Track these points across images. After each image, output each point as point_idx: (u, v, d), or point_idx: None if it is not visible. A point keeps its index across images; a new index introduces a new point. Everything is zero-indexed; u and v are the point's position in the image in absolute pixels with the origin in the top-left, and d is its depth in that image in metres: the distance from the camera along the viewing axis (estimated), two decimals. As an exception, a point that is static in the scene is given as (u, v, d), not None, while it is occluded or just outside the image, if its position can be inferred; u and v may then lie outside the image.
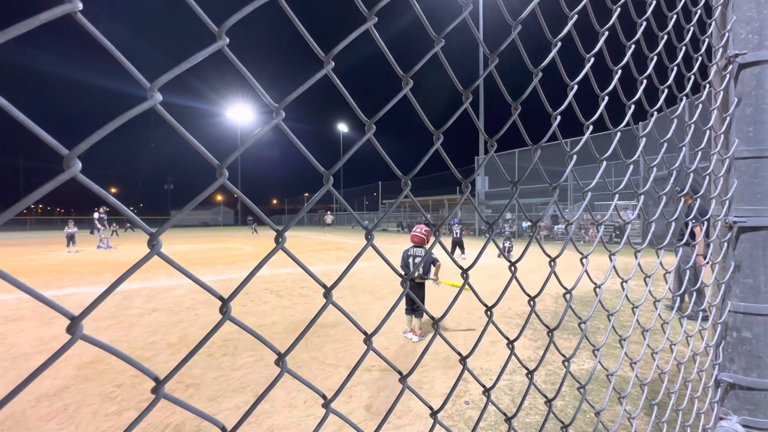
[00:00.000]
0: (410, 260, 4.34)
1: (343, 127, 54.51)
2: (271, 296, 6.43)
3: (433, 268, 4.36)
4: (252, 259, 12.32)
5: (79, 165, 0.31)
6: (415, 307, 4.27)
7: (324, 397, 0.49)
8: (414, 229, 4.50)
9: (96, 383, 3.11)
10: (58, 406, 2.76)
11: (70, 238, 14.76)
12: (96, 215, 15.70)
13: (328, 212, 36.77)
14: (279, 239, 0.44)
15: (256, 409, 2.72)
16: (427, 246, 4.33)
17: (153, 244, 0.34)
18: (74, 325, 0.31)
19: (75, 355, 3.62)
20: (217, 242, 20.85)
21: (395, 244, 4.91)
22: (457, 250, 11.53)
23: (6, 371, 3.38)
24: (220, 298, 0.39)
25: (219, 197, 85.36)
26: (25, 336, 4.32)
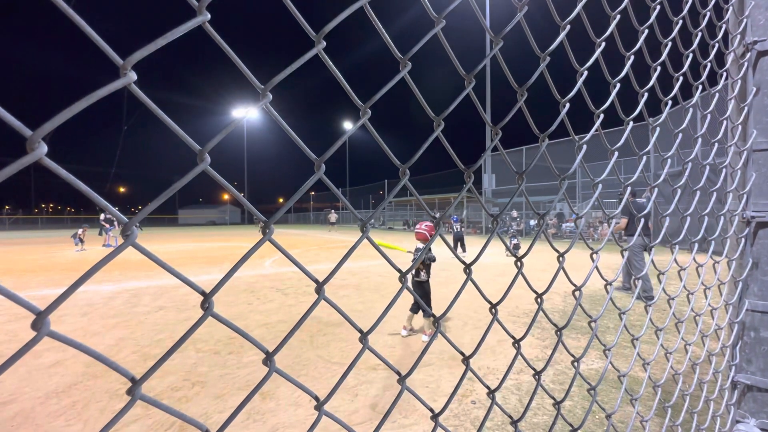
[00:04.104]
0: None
1: (347, 125, 54.45)
2: (277, 294, 6.44)
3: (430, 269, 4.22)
4: (257, 257, 12.38)
5: (45, 147, 0.28)
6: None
7: (317, 398, 0.47)
8: (417, 226, 4.32)
9: (104, 380, 3.13)
10: (66, 403, 2.78)
11: (80, 240, 15.05)
12: (102, 216, 16.09)
13: (333, 211, 36.44)
14: (266, 230, 0.41)
15: (260, 408, 2.71)
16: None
17: (127, 234, 0.32)
18: (39, 321, 0.29)
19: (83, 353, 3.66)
20: (224, 241, 21.02)
21: (401, 243, 4.92)
22: (459, 249, 11.51)
23: (16, 367, 3.42)
24: (202, 293, 0.37)
25: (226, 196, 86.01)
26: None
